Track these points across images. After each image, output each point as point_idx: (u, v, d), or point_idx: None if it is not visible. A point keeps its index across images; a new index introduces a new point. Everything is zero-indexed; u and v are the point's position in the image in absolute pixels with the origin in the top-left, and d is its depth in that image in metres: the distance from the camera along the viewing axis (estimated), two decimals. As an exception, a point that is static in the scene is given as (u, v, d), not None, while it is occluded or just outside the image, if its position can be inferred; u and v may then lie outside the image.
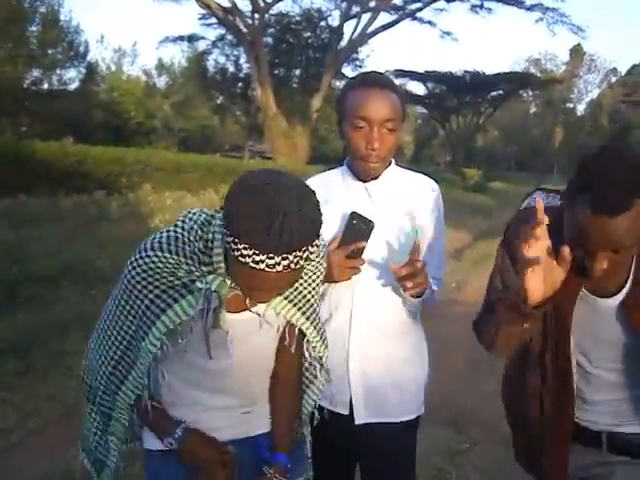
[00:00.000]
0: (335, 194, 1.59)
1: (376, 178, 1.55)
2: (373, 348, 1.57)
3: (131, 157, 12.00)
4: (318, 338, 1.35)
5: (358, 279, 1.53)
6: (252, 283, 1.09)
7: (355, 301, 1.56)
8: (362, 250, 1.46)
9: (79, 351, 4.82)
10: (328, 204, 1.47)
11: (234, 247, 1.01)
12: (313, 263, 1.29)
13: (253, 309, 1.25)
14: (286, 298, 1.28)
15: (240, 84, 27.87)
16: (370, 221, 1.44)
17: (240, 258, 1.01)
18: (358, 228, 1.44)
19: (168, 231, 1.21)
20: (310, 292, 1.32)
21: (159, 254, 1.17)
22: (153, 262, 1.17)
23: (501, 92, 36.47)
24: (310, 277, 1.32)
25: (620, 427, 1.42)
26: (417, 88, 38.30)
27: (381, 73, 1.59)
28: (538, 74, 49.46)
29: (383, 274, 1.53)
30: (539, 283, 1.14)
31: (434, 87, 36.01)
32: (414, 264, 1.38)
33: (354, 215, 1.46)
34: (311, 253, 1.05)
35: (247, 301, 1.23)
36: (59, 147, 11.46)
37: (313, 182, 1.61)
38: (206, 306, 1.17)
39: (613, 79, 62.30)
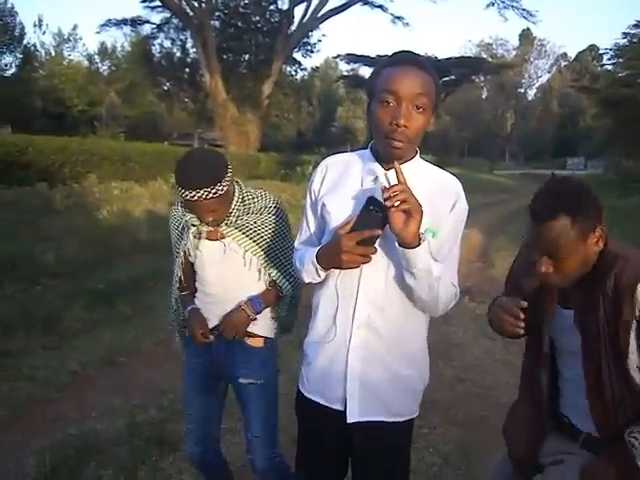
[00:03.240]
0: (352, 176, 1.53)
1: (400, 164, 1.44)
2: (375, 343, 1.52)
3: (75, 146, 11.54)
4: (266, 259, 2.02)
5: (366, 269, 1.46)
6: (194, 211, 1.92)
7: (360, 295, 1.49)
8: (376, 239, 1.38)
9: (27, 351, 4.65)
10: (342, 185, 1.53)
11: (178, 190, 1.86)
12: (272, 217, 2.03)
13: (221, 240, 2.00)
14: (244, 234, 2.00)
15: (187, 70, 27.26)
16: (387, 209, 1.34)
17: (181, 196, 1.85)
18: (374, 215, 1.35)
19: None
20: (266, 233, 2.01)
21: (174, 208, 2.16)
22: (172, 212, 2.17)
23: (453, 77, 36.96)
24: (269, 225, 2.03)
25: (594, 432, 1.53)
26: (369, 73, 38.28)
27: (418, 54, 1.49)
28: (489, 59, 50.32)
29: (392, 267, 1.47)
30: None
31: (387, 72, 36.08)
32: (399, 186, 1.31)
33: (370, 201, 1.37)
34: (216, 190, 1.82)
35: (218, 233, 1.99)
36: (-3, 136, 10.92)
37: (330, 161, 1.61)
38: (188, 234, 2.04)
39: (563, 64, 64.12)
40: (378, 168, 1.50)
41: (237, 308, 2.00)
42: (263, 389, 2.07)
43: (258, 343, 2.08)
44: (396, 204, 1.30)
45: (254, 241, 2.00)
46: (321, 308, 1.58)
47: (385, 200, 1.30)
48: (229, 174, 1.88)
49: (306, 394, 1.64)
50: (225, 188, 1.85)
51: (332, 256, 1.42)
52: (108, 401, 3.53)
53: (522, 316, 1.47)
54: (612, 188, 22.54)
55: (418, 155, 1.55)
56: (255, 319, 2.02)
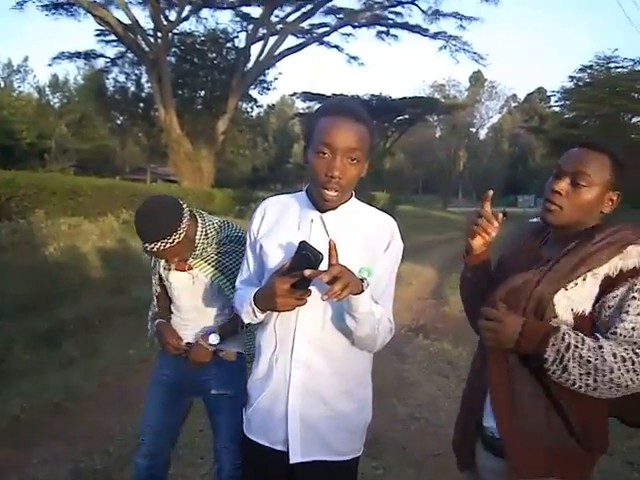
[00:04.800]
0: (289, 219, 1.57)
1: (334, 209, 1.52)
2: (314, 382, 1.53)
3: (22, 180, 11.18)
4: (231, 288, 2.05)
5: (303, 310, 1.49)
6: (159, 257, 2.11)
7: (298, 334, 1.52)
8: (309, 282, 1.40)
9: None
10: (279, 227, 1.57)
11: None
12: (235, 246, 2.12)
13: (189, 271, 2.14)
14: (209, 264, 2.11)
15: (142, 104, 27.13)
16: (319, 253, 1.37)
17: (143, 247, 1.96)
18: (307, 258, 1.38)
19: None
20: (230, 261, 2.11)
21: None
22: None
23: (407, 117, 37.99)
24: (232, 253, 2.12)
25: None
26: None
27: (353, 101, 1.57)
28: (442, 99, 52.14)
29: (328, 307, 1.50)
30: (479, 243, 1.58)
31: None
32: (332, 268, 1.33)
33: (303, 245, 1.40)
34: (173, 239, 1.92)
35: (186, 265, 2.12)
36: (-61, 169, 10.50)
37: (269, 202, 1.64)
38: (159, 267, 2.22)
39: (513, 105, 67.06)
40: (313, 212, 1.55)
41: (196, 343, 2.13)
42: (233, 401, 2.10)
43: (230, 357, 2.21)
44: (337, 289, 1.31)
45: (219, 270, 2.11)
46: (261, 349, 1.60)
47: (325, 281, 1.32)
48: (184, 220, 1.96)
49: (250, 436, 1.64)
50: (182, 235, 1.95)
51: (267, 299, 1.45)
52: (51, 447, 3.37)
53: (501, 216, 1.52)
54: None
55: (354, 197, 1.60)
56: (215, 348, 2.13)
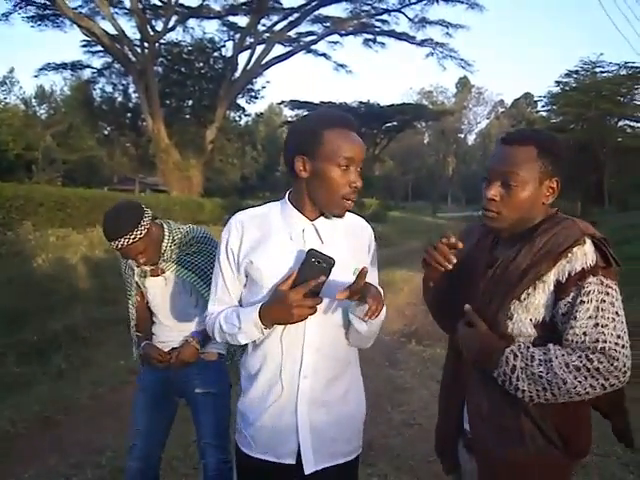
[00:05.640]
0: (276, 230, 1.57)
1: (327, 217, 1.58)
2: (319, 389, 1.54)
3: (9, 192, 11.07)
4: (202, 284, 2.24)
5: (309, 319, 1.49)
6: (127, 256, 2.22)
7: (307, 342, 1.53)
8: (320, 288, 1.43)
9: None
10: (267, 241, 1.55)
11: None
12: (203, 246, 2.31)
13: (162, 275, 2.31)
14: (180, 265, 2.28)
15: (129, 114, 27.05)
16: (330, 258, 1.40)
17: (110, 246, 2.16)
18: (319, 266, 1.40)
19: None
20: (200, 260, 2.28)
21: None
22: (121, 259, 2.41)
23: (395, 123, 38.17)
24: (201, 253, 2.29)
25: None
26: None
27: (343, 109, 1.62)
28: (430, 106, 52.45)
29: (334, 315, 1.54)
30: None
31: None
32: (370, 292, 1.43)
33: (312, 253, 1.41)
34: (135, 235, 2.11)
35: (159, 270, 2.29)
36: None
37: (244, 217, 1.60)
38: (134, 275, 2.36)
39: (500, 110, 67.63)
40: (303, 220, 1.56)
41: (186, 343, 2.27)
42: (216, 398, 2.33)
43: (212, 357, 2.37)
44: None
45: (189, 269, 2.29)
46: (260, 365, 1.58)
47: (368, 316, 1.41)
48: (145, 219, 2.16)
49: (253, 455, 1.60)
50: (143, 232, 2.14)
51: (280, 312, 1.44)
52: (42, 461, 3.33)
53: (460, 245, 1.44)
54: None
55: None
56: (200, 349, 2.29)
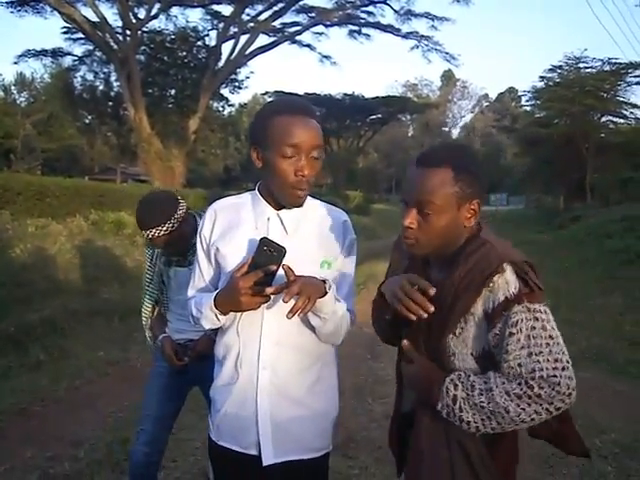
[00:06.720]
0: (244, 220, 1.56)
1: (298, 206, 1.53)
2: (281, 381, 1.53)
3: (-14, 180, 10.91)
4: None
5: (268, 310, 1.49)
6: (157, 246, 2.25)
7: (264, 335, 1.51)
8: (272, 277, 1.40)
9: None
10: (234, 228, 1.55)
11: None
12: None
13: (189, 267, 2.18)
14: None
15: (111, 103, 26.65)
16: (282, 247, 1.38)
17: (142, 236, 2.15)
18: (269, 254, 1.38)
19: None
20: None
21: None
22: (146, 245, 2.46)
23: (380, 116, 38.14)
24: None
25: None
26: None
27: (301, 97, 1.56)
28: (415, 99, 52.44)
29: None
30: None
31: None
32: (291, 288, 1.36)
33: (264, 241, 1.40)
34: (167, 227, 2.14)
35: (186, 260, 2.28)
36: None
37: (219, 205, 1.62)
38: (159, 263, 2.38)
39: (485, 104, 67.93)
40: (269, 209, 1.55)
41: (203, 335, 2.25)
42: None
43: None
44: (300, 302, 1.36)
45: None
46: (223, 353, 1.59)
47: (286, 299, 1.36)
48: (179, 212, 2.19)
49: (221, 443, 1.61)
50: (175, 225, 2.16)
51: (230, 299, 1.44)
52: (19, 453, 3.29)
53: (432, 292, 1.31)
54: (532, 223, 23.77)
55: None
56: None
